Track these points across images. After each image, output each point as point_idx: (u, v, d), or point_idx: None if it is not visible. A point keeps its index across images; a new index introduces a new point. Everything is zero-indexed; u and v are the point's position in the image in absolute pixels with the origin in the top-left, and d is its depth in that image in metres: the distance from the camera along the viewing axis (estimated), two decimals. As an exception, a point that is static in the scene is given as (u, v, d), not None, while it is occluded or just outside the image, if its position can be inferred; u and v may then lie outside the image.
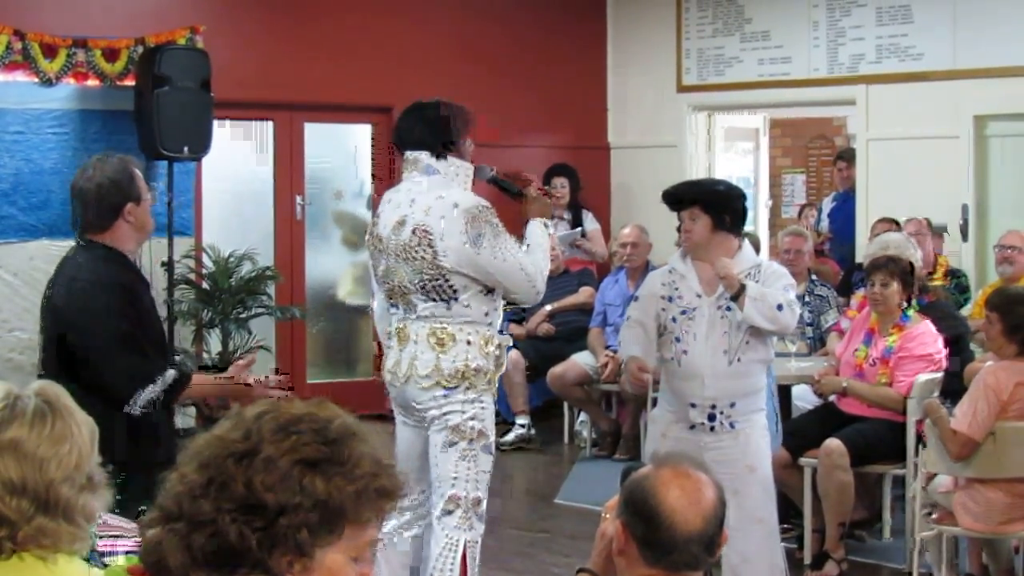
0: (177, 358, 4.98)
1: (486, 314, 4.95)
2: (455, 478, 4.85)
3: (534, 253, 4.99)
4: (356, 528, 1.88)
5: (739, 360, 5.31)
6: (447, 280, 4.86)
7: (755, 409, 5.41)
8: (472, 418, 4.89)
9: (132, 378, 4.27)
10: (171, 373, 4.34)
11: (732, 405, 5.34)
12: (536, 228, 5.08)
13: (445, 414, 4.90)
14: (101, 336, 4.29)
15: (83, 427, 2.29)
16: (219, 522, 1.82)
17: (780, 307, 5.22)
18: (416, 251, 4.88)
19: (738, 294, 5.22)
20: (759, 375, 5.43)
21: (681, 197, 5.44)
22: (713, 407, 5.34)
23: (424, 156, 4.96)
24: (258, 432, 1.86)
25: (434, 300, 4.91)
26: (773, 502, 5.49)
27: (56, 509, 2.21)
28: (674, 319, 5.39)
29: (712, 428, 5.35)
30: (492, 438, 4.99)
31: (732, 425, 5.34)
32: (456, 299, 4.89)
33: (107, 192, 4.38)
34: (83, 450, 2.26)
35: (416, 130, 5.00)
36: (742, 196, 5.53)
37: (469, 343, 4.90)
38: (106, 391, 4.23)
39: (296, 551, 1.83)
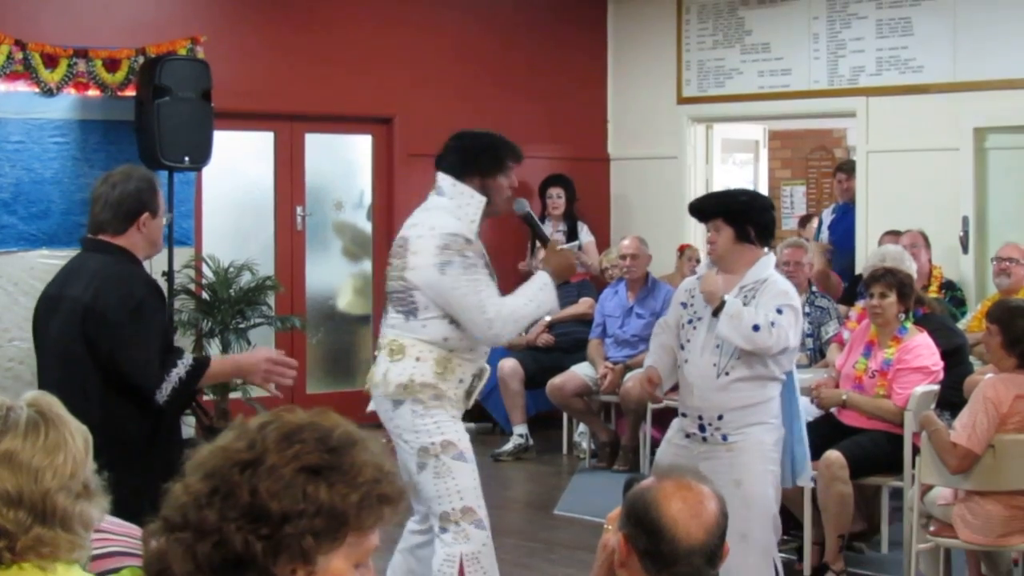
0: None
1: (445, 339, 4.90)
2: (438, 496, 4.83)
3: (516, 297, 4.94)
4: (358, 535, 1.90)
5: (727, 374, 5.34)
6: (410, 294, 4.89)
7: (750, 423, 5.38)
8: (429, 435, 4.84)
9: (159, 366, 4.32)
10: (189, 357, 4.40)
11: (720, 417, 5.36)
12: (541, 278, 5.00)
13: (405, 440, 4.88)
14: (135, 327, 4.33)
15: (77, 435, 2.30)
16: (224, 531, 1.84)
17: (757, 327, 5.21)
18: (393, 260, 4.99)
19: (718, 310, 5.27)
20: (755, 390, 5.38)
21: (705, 209, 5.54)
22: (700, 417, 5.40)
23: (442, 178, 5.02)
24: (262, 442, 1.88)
25: (399, 312, 4.95)
26: (762, 520, 5.38)
27: (53, 518, 2.22)
28: (683, 325, 5.50)
29: (704, 439, 5.40)
30: (462, 444, 4.90)
31: (724, 437, 5.36)
32: (415, 316, 4.90)
33: (128, 197, 4.46)
34: (78, 458, 2.27)
35: (450, 155, 5.07)
36: (768, 207, 5.56)
37: (418, 359, 4.88)
38: (136, 381, 4.31)
39: (301, 558, 1.85)
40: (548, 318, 9.56)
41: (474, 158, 5.02)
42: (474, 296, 4.82)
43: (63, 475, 2.24)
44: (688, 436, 5.45)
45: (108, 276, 4.41)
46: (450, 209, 4.95)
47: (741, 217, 5.38)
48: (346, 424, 1.95)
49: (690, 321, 5.47)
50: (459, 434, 4.92)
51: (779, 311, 5.28)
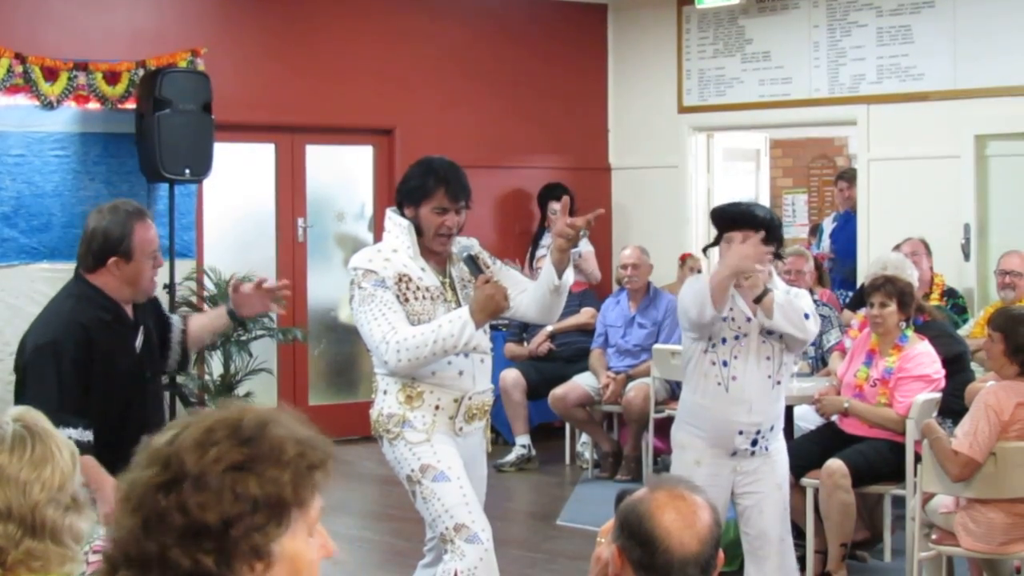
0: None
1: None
2: (432, 521, 4.80)
3: (417, 328, 4.72)
4: (301, 510, 1.88)
5: (778, 383, 5.37)
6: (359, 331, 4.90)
7: (780, 428, 5.48)
8: (408, 463, 4.81)
9: (53, 419, 4.18)
10: (79, 434, 4.17)
11: (772, 428, 5.39)
12: (455, 312, 4.75)
13: (396, 472, 4.89)
14: (35, 367, 4.31)
15: (64, 449, 2.31)
16: (169, 557, 1.80)
17: (807, 316, 5.25)
18: None
19: (762, 296, 5.17)
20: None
21: (741, 219, 5.34)
22: (758, 432, 5.33)
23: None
24: (176, 456, 1.85)
25: (368, 349, 4.96)
26: (789, 520, 5.55)
27: (43, 531, 2.23)
28: (724, 340, 5.30)
29: (753, 453, 5.36)
30: (443, 463, 4.79)
31: (767, 448, 5.37)
32: (371, 349, 4.90)
33: (97, 239, 4.40)
34: (65, 471, 2.28)
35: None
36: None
37: (385, 392, 4.88)
38: None
39: (254, 556, 1.82)
40: (550, 328, 9.55)
41: (400, 186, 4.97)
42: (366, 326, 4.78)
43: (51, 488, 2.25)
44: (734, 454, 5.34)
45: (45, 311, 4.45)
46: (384, 240, 4.94)
47: (774, 234, 5.33)
48: (252, 408, 1.93)
49: (736, 337, 5.29)
50: (438, 454, 4.80)
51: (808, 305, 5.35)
